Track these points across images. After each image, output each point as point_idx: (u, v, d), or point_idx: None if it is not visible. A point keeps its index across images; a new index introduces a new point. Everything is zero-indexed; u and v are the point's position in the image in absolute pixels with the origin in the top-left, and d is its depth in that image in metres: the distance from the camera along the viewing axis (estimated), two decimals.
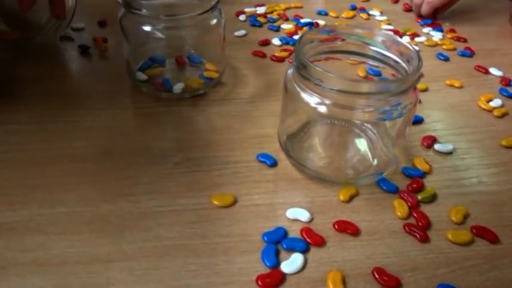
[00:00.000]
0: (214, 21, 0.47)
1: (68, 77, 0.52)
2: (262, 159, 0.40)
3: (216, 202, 0.35)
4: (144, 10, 0.43)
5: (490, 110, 0.48)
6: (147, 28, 0.44)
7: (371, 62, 0.40)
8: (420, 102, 0.49)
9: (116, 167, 0.39)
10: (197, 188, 0.37)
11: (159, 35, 0.45)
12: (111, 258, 0.31)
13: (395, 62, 0.37)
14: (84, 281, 0.30)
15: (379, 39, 0.38)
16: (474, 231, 0.34)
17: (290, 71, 0.37)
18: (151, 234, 0.33)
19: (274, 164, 0.39)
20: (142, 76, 0.49)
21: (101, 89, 0.49)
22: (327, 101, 0.34)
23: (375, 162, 0.40)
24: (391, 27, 0.65)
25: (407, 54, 0.36)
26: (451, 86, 0.52)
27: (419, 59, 0.34)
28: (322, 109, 0.35)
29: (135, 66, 0.49)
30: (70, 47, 0.56)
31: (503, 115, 0.47)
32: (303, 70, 0.34)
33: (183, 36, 0.47)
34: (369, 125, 0.41)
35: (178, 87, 0.47)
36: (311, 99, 0.35)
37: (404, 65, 0.36)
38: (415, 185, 0.37)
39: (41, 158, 0.39)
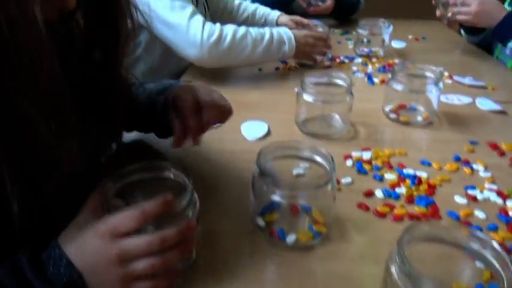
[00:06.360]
0: (329, 187, 0.55)
1: None
2: None
3: None
4: (271, 178, 0.54)
5: None
6: (272, 193, 0.54)
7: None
8: None
9: None
10: None
11: (280, 199, 0.55)
12: None
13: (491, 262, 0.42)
14: None
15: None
16: None
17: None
18: None
19: None
20: (261, 222, 0.58)
21: (227, 230, 0.59)
22: None
23: None
24: (495, 186, 0.67)
25: (500, 261, 0.40)
26: None
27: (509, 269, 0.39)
28: None
29: (257, 212, 0.59)
30: None
31: None
32: None
33: (301, 200, 0.56)
34: None
35: (290, 238, 0.56)
36: None
37: (500, 269, 0.40)
38: None
39: None
